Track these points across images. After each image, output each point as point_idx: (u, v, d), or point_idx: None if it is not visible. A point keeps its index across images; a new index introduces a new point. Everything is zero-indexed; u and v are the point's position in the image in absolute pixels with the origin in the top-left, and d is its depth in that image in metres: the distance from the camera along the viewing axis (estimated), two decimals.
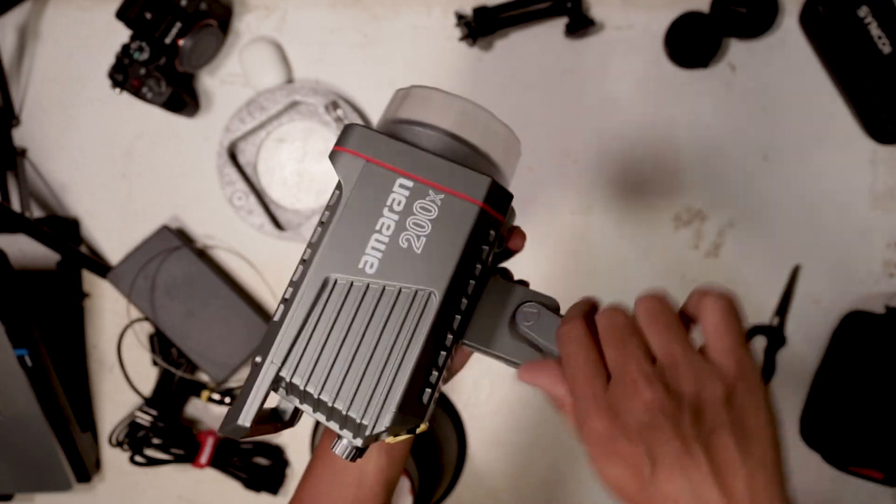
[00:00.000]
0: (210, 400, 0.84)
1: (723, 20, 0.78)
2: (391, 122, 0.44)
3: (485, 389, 0.84)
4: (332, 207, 0.41)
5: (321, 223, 0.41)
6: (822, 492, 0.82)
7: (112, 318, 0.87)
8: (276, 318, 0.39)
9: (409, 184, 0.39)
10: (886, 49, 0.75)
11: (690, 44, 0.79)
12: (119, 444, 0.84)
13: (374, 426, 0.37)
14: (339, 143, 0.42)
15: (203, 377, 0.85)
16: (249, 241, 0.86)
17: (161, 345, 0.85)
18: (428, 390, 0.39)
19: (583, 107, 0.83)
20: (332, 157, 0.41)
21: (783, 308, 0.81)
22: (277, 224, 0.84)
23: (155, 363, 0.85)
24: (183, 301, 0.83)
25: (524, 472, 0.84)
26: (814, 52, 0.80)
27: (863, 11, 0.75)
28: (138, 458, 0.83)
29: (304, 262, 0.40)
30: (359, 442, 0.38)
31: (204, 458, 0.83)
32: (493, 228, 0.41)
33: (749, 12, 0.77)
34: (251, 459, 0.85)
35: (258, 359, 0.39)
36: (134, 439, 0.83)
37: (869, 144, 0.80)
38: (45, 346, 0.79)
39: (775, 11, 0.79)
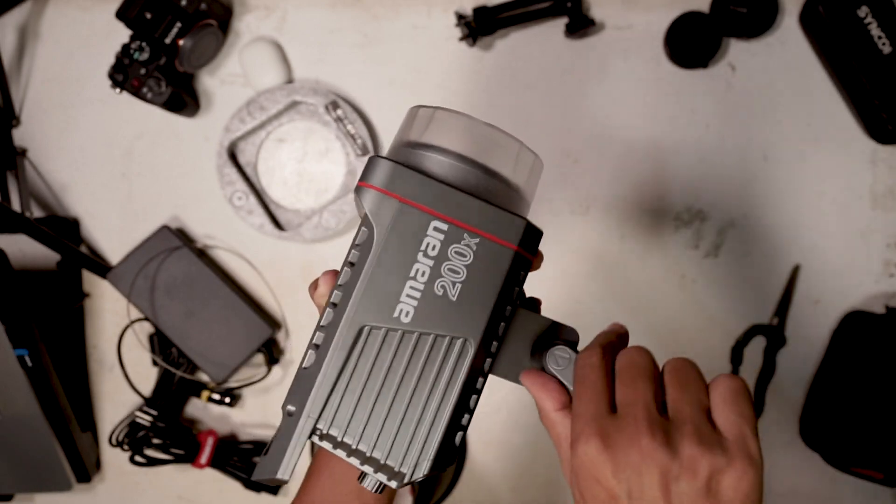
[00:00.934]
0: (210, 400, 0.84)
1: (723, 20, 0.78)
2: (413, 146, 0.41)
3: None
4: (360, 247, 0.39)
5: (350, 263, 0.39)
6: (822, 492, 0.82)
7: (112, 318, 0.87)
8: (305, 365, 0.38)
9: (444, 227, 0.38)
10: (886, 49, 0.75)
11: (690, 44, 0.79)
12: (119, 444, 0.84)
13: (412, 474, 0.37)
14: (365, 178, 0.39)
15: (203, 377, 0.85)
16: (249, 241, 0.86)
17: (161, 345, 0.85)
18: (460, 433, 0.39)
19: (583, 107, 0.83)
20: (359, 192, 0.39)
21: (783, 308, 0.81)
22: (277, 224, 0.84)
23: (155, 363, 0.85)
24: (183, 301, 0.83)
25: (524, 472, 0.84)
26: (814, 52, 0.80)
27: (863, 11, 0.75)
28: (138, 458, 0.83)
29: (335, 307, 0.39)
30: (393, 484, 0.38)
31: (204, 458, 0.83)
32: (524, 269, 0.40)
33: (749, 12, 0.77)
34: (251, 459, 0.85)
35: (291, 408, 0.38)
36: (134, 439, 0.83)
37: (869, 144, 0.80)
38: (45, 346, 0.79)
39: (775, 11, 0.79)
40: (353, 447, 0.37)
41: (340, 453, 0.38)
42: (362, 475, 0.38)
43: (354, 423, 0.37)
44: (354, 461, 0.38)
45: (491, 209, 0.38)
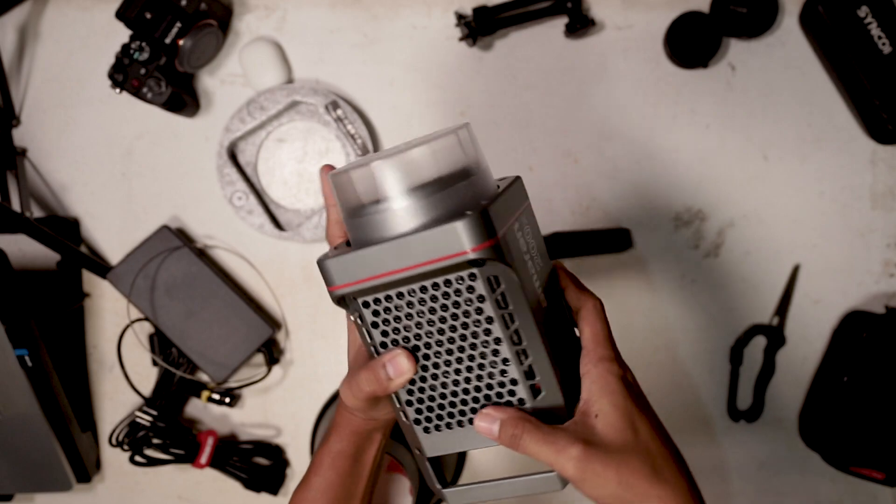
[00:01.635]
0: (210, 400, 0.84)
1: (723, 20, 0.78)
2: (425, 187, 0.41)
3: None
4: (504, 294, 0.41)
5: (507, 317, 0.41)
6: (822, 492, 0.82)
7: (112, 318, 0.87)
8: (539, 402, 0.43)
9: (517, 224, 0.44)
10: (886, 49, 0.75)
11: (690, 44, 0.79)
12: (119, 444, 0.84)
13: None
14: (468, 245, 0.39)
15: (203, 377, 0.85)
16: (249, 241, 0.86)
17: (161, 345, 0.85)
18: None
19: (583, 107, 0.83)
20: (481, 252, 0.39)
21: (783, 308, 0.81)
22: (277, 224, 0.84)
23: (155, 363, 0.85)
24: (183, 301, 0.83)
25: (524, 471, 0.84)
26: (814, 52, 0.80)
27: (863, 11, 0.75)
28: (138, 458, 0.83)
29: (523, 355, 0.42)
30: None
31: (204, 458, 0.83)
32: None
33: (749, 12, 0.77)
34: (251, 459, 0.85)
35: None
36: (134, 439, 0.83)
37: (869, 144, 0.80)
38: (45, 346, 0.79)
39: (775, 11, 0.79)
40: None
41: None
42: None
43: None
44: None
45: (508, 191, 0.44)
